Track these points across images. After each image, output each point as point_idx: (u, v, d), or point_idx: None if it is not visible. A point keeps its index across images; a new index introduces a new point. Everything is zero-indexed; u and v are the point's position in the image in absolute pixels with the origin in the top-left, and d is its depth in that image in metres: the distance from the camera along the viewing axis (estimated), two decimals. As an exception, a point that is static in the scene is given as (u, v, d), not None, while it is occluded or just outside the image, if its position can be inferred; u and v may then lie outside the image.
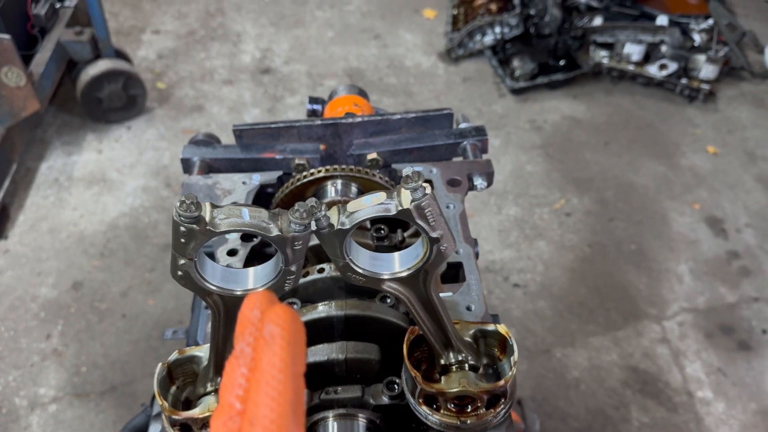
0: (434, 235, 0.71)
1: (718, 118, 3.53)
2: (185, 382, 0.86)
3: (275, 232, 0.67)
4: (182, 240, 0.65)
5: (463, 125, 1.37)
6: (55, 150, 3.17)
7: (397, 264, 0.76)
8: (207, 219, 0.65)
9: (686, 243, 2.89)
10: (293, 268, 0.71)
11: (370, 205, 0.70)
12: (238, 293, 0.73)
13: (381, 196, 0.70)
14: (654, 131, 3.43)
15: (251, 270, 0.75)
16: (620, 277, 2.75)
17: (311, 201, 0.70)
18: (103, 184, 3.03)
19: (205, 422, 0.81)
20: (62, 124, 3.29)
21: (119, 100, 3.22)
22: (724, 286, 2.73)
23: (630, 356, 2.50)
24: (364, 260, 0.75)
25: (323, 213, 0.70)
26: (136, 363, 2.42)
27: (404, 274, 0.75)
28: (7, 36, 2.60)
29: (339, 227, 0.70)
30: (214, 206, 0.66)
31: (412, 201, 0.67)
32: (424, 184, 0.68)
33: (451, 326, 0.83)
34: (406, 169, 0.68)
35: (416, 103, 3.52)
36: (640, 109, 3.56)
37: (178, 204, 0.63)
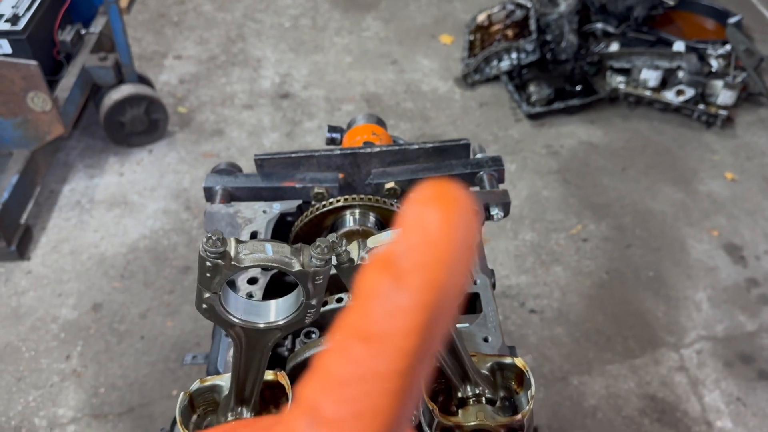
0: None
1: (737, 144, 3.52)
2: (206, 411, 0.87)
3: (297, 267, 0.69)
4: (208, 274, 0.68)
5: (479, 155, 1.38)
6: (78, 173, 3.23)
7: None
8: (232, 254, 0.67)
9: (705, 270, 2.87)
10: (314, 302, 0.73)
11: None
12: (261, 326, 0.75)
13: (401, 232, 0.71)
14: (671, 157, 3.43)
15: (273, 303, 0.77)
16: (638, 305, 2.73)
17: (332, 236, 0.71)
18: (125, 206, 3.07)
19: None
20: (85, 148, 3.35)
21: (141, 124, 3.28)
22: (744, 315, 2.71)
23: (648, 384, 2.48)
24: None
25: (344, 248, 0.71)
26: (154, 384, 2.44)
27: None
28: (34, 62, 2.67)
29: (359, 263, 0.72)
30: (239, 241, 0.68)
31: None
32: None
33: (469, 360, 0.84)
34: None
35: (433, 127, 3.55)
36: (657, 134, 3.56)
37: (204, 239, 0.66)
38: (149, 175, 3.22)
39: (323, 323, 1.07)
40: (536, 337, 2.61)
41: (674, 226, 3.06)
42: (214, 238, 0.65)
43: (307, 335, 1.04)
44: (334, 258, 0.71)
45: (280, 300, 0.77)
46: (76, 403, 2.38)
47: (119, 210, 3.06)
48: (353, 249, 0.73)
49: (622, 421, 2.37)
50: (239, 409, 0.84)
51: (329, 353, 0.30)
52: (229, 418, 0.84)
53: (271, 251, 0.69)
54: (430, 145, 1.34)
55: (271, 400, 0.89)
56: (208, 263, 0.66)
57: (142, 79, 3.37)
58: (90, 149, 3.35)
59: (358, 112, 3.61)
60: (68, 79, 2.98)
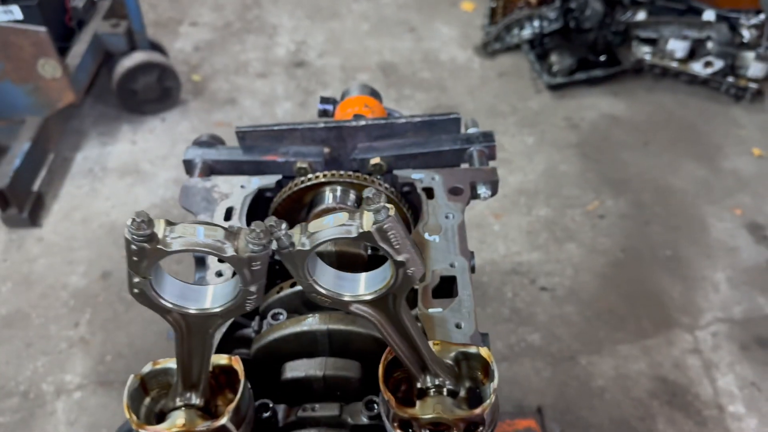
0: (399, 258, 0.68)
1: (766, 118, 3.36)
2: (160, 394, 0.85)
3: (230, 253, 0.65)
4: (135, 258, 0.65)
5: (471, 130, 1.32)
6: (91, 140, 3.23)
7: (362, 286, 0.73)
8: (159, 237, 0.63)
9: (725, 250, 2.77)
10: (253, 289, 0.69)
11: (332, 226, 0.67)
12: (192, 311, 0.72)
13: (343, 216, 0.67)
14: (696, 132, 3.30)
15: (210, 288, 0.73)
16: (653, 284, 2.65)
17: (270, 220, 0.67)
18: (136, 175, 3.07)
19: None
20: (98, 115, 3.35)
21: (154, 92, 3.26)
22: (763, 296, 2.61)
23: (659, 366, 2.41)
24: (328, 281, 0.73)
25: (284, 232, 0.67)
26: (159, 353, 2.45)
27: (368, 297, 0.72)
28: (43, 28, 2.65)
29: (299, 248, 0.68)
30: (168, 223, 0.65)
31: (374, 223, 0.65)
32: (388, 206, 0.65)
33: (427, 349, 0.80)
34: (367, 190, 0.65)
35: (449, 98, 3.47)
36: (682, 108, 3.42)
37: (129, 222, 0.62)
38: (162, 144, 3.21)
39: (291, 306, 1.04)
40: (546, 315, 2.55)
41: (695, 204, 2.95)
42: (138, 220, 0.62)
43: (274, 317, 1.01)
44: (274, 243, 0.67)
45: (219, 285, 0.74)
46: (83, 370, 2.41)
47: (131, 178, 3.06)
48: (295, 233, 0.69)
49: (631, 403, 2.32)
50: (188, 394, 0.82)
51: None
52: (178, 403, 0.82)
53: (203, 235, 0.65)
54: (419, 119, 1.28)
55: (227, 384, 0.86)
56: (133, 246, 0.63)
57: (156, 47, 3.35)
58: (103, 117, 3.34)
59: (374, 82, 3.54)
60: (79, 46, 2.97)
